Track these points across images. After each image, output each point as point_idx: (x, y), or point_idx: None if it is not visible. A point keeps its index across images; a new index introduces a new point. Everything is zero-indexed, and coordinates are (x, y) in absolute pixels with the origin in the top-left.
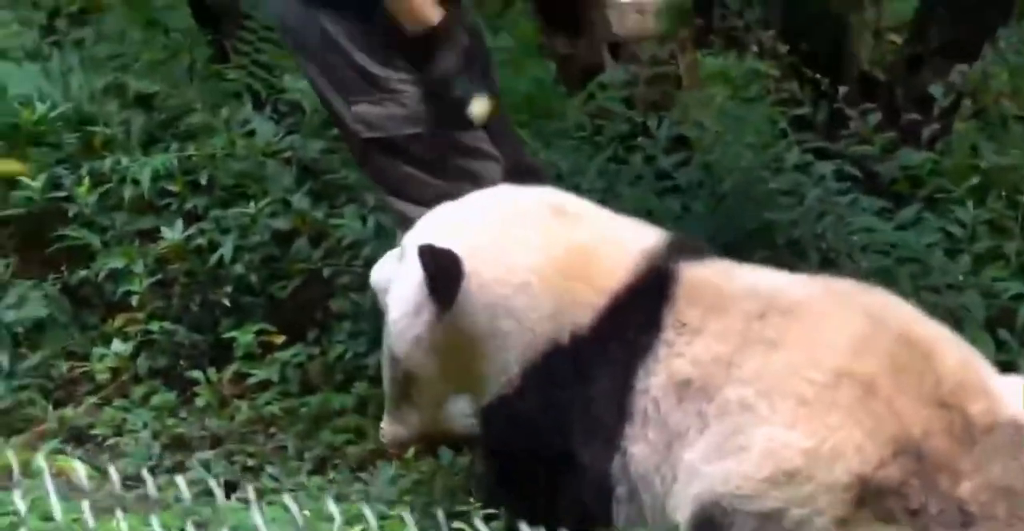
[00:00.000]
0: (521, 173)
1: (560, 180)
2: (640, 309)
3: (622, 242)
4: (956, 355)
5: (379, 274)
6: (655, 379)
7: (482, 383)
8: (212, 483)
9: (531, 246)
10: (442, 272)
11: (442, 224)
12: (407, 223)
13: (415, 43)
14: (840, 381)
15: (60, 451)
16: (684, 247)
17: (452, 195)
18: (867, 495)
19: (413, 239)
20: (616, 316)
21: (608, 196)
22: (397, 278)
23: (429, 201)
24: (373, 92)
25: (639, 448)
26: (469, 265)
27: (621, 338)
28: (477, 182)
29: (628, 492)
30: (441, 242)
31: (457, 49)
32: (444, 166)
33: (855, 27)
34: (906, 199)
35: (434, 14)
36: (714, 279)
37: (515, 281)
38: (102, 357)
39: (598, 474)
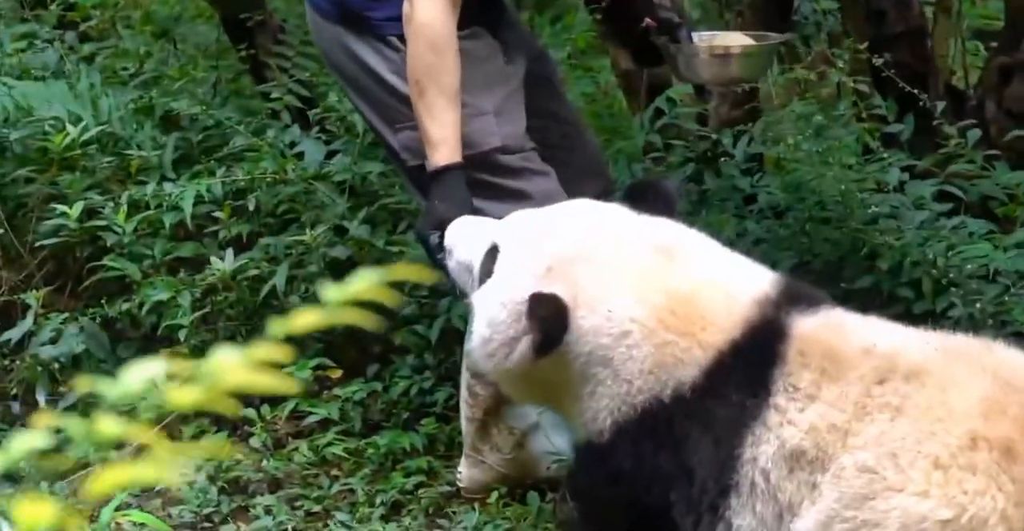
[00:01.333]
0: (643, 195)
1: None
2: (748, 369)
3: (730, 289)
4: None
5: (462, 242)
6: (764, 448)
7: (572, 418)
8: None
9: (632, 292)
10: (548, 325)
11: (548, 257)
12: None
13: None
14: (976, 444)
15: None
16: (797, 296)
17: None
18: None
19: (513, 243)
20: (722, 375)
21: (684, 220)
22: (492, 280)
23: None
24: (412, 120)
25: (746, 521)
26: (572, 312)
27: (727, 400)
28: (528, 201)
29: None
30: (548, 285)
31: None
32: (491, 189)
33: (939, 36)
34: (1011, 221)
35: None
36: (829, 336)
37: (615, 331)
38: (144, 397)
39: None
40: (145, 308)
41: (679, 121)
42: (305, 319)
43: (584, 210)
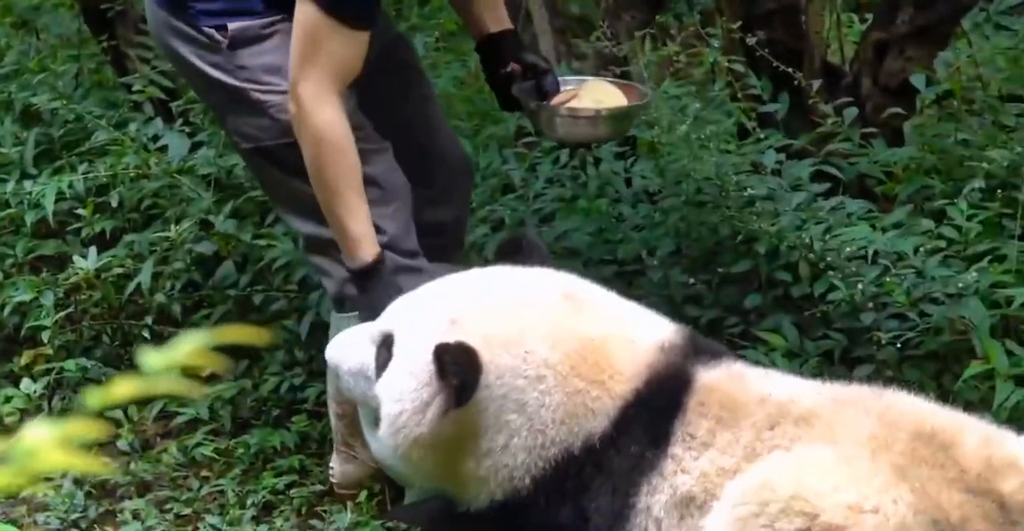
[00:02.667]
0: (518, 249)
1: (510, 191)
2: (651, 419)
3: (634, 337)
4: (976, 439)
5: (345, 354)
6: (658, 497)
7: (477, 482)
8: None
9: (544, 336)
10: (464, 372)
11: (449, 311)
12: (308, 243)
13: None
14: (872, 463)
15: None
16: (700, 348)
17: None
18: None
19: (404, 324)
20: (626, 425)
21: (560, 206)
22: (391, 367)
23: (313, 211)
24: (241, 104)
25: None
26: (485, 356)
27: (628, 451)
28: (371, 186)
29: None
30: (454, 334)
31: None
32: None
33: (814, 10)
34: (890, 200)
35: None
36: (727, 387)
37: (530, 374)
38: (9, 398)
39: None
40: (7, 309)
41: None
42: (122, 389)
43: (475, 273)
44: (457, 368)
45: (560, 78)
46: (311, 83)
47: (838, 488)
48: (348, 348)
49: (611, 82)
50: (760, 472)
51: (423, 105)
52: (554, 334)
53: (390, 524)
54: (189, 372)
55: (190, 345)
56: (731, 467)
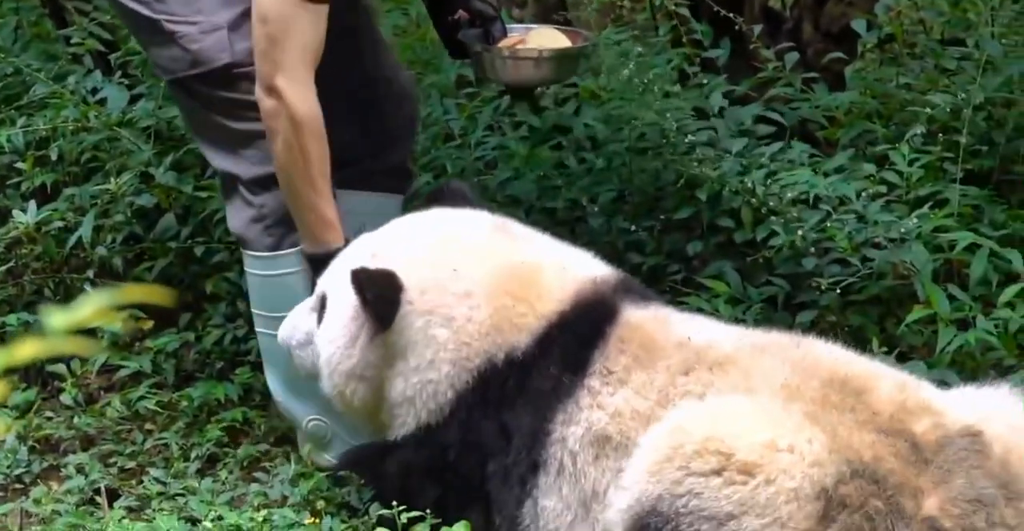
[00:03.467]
0: (448, 196)
1: (450, 140)
2: (571, 343)
3: (567, 266)
4: (889, 385)
5: (290, 329)
6: (573, 428)
7: (405, 404)
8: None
9: (475, 257)
10: (379, 290)
11: (365, 253)
12: (223, 179)
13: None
14: (785, 407)
15: None
16: (630, 287)
17: (250, 138)
18: (832, 510)
19: (331, 279)
20: (547, 345)
21: (501, 154)
22: (323, 321)
23: (226, 142)
24: (156, 35)
25: (551, 502)
26: (409, 276)
27: (546, 372)
28: None
29: None
30: (373, 264)
31: None
32: (228, 104)
33: None
34: (832, 144)
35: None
36: (650, 327)
37: (459, 290)
38: None
39: (507, 518)
40: None
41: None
42: (25, 350)
43: (403, 219)
44: (374, 289)
45: (508, 26)
46: (287, 72)
47: (752, 429)
48: (292, 325)
49: (558, 29)
50: (673, 418)
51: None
52: (483, 254)
53: (326, 474)
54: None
55: (94, 304)
56: (645, 410)
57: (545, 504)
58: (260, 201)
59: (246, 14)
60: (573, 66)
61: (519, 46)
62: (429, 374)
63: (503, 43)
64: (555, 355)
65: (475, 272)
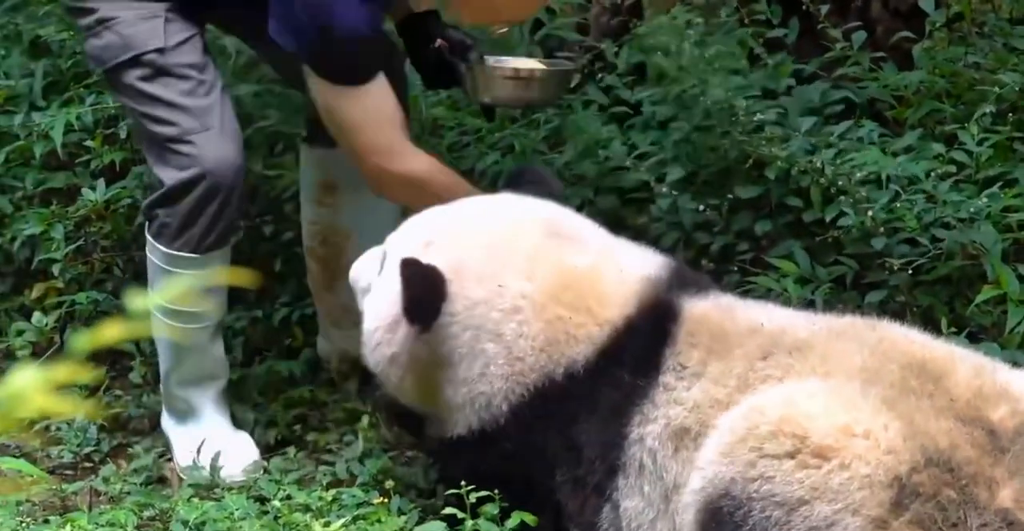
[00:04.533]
0: (525, 181)
1: (515, 120)
2: (638, 347)
3: (621, 268)
4: (967, 370)
5: (358, 272)
6: (651, 427)
7: (455, 410)
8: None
9: (524, 270)
10: (421, 291)
11: (429, 233)
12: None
13: None
14: (862, 392)
15: None
16: (686, 278)
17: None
18: (904, 499)
19: (397, 243)
20: (613, 353)
21: (572, 132)
22: (376, 284)
23: (162, 143)
24: (93, 25)
25: (633, 502)
26: (455, 285)
27: (616, 379)
28: (179, 111)
29: None
30: (426, 256)
31: None
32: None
33: None
34: (901, 124)
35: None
36: (717, 317)
37: (506, 306)
38: (20, 332)
39: (583, 525)
40: (17, 242)
41: (560, 31)
42: (109, 332)
43: (472, 202)
44: (418, 287)
45: (485, 55)
46: (390, 156)
47: (828, 412)
48: (362, 266)
49: (538, 61)
50: (750, 402)
51: None
52: (531, 266)
53: (393, 454)
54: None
55: (178, 287)
56: (724, 398)
57: (627, 505)
58: (170, 210)
59: (179, 8)
60: (559, 89)
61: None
62: (480, 386)
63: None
64: (623, 361)
65: (523, 286)
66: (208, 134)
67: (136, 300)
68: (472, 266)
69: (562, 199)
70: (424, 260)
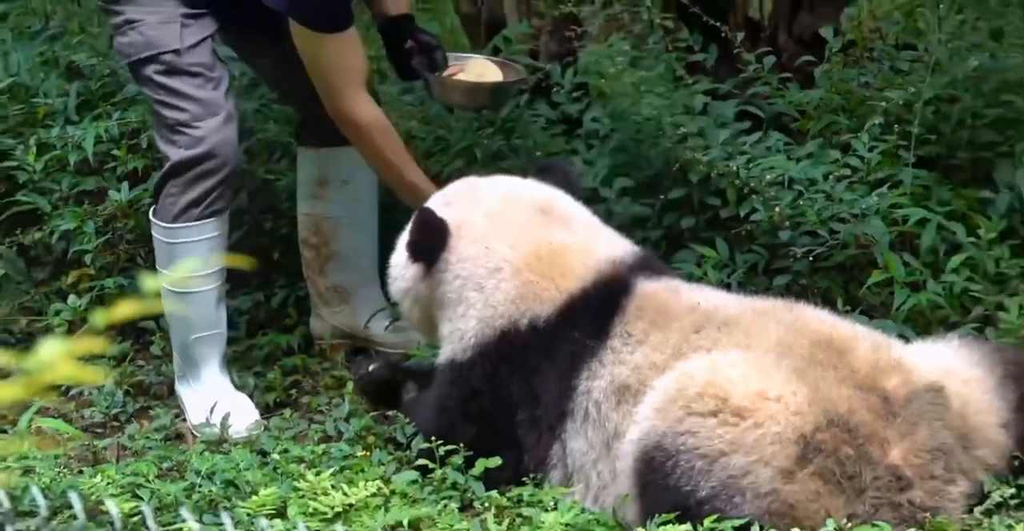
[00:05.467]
0: (547, 171)
1: (479, 131)
2: (593, 314)
3: (591, 250)
4: (867, 346)
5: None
6: (598, 382)
7: (442, 341)
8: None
9: (510, 239)
10: (427, 233)
11: (450, 196)
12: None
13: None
14: (776, 363)
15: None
16: (647, 264)
17: (179, 125)
18: (809, 454)
19: (430, 200)
20: (570, 315)
21: (522, 141)
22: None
23: (161, 126)
24: (121, 25)
25: (578, 443)
26: (455, 241)
27: (571, 338)
28: (193, 102)
29: (563, 477)
30: (441, 212)
31: None
32: (166, 88)
33: None
34: (804, 134)
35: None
36: (663, 295)
37: (489, 265)
38: (58, 311)
39: (536, 458)
40: (55, 236)
41: (514, 57)
42: (124, 309)
43: (496, 179)
44: (425, 230)
45: (449, 54)
46: (345, 98)
47: (747, 379)
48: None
49: (492, 60)
50: (683, 367)
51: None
52: (517, 237)
53: (374, 414)
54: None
55: (186, 268)
56: (661, 363)
57: (573, 446)
58: (175, 182)
59: (194, 15)
60: (506, 97)
61: (460, 75)
62: (459, 324)
63: (447, 71)
64: (577, 323)
65: (506, 252)
66: (213, 120)
67: (148, 281)
68: (471, 228)
69: (578, 192)
70: (439, 214)
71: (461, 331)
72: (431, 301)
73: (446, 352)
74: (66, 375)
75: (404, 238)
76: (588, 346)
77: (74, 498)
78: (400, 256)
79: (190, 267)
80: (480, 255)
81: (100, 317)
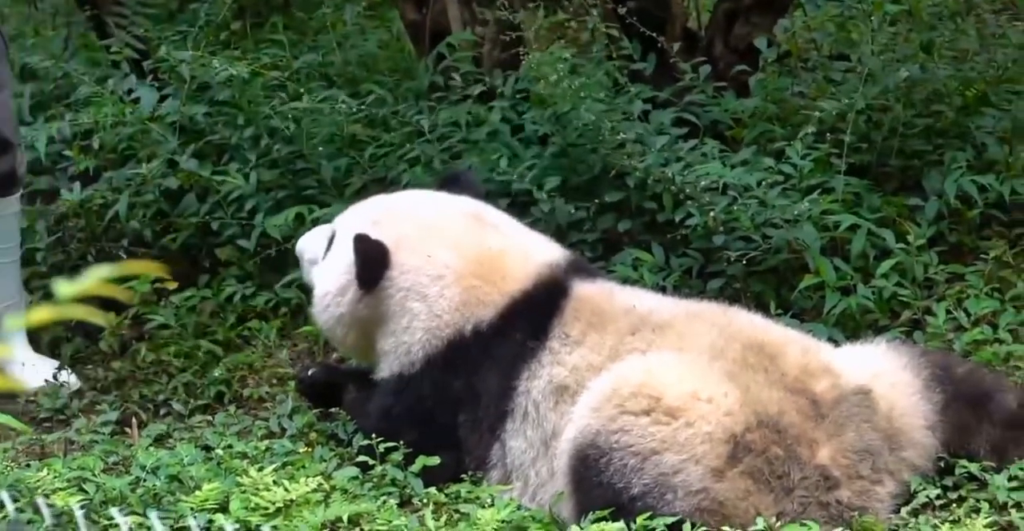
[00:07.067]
0: (453, 181)
1: (421, 136)
2: (533, 315)
3: (528, 253)
4: (797, 349)
5: (307, 243)
6: (536, 382)
7: (383, 357)
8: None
9: (449, 245)
10: (371, 260)
11: (376, 214)
12: None
13: None
14: (709, 365)
15: None
16: (580, 267)
17: None
18: (739, 453)
19: (347, 222)
20: (511, 318)
21: (468, 147)
22: (327, 256)
23: None
24: None
25: (517, 443)
26: (394, 255)
27: (513, 339)
28: None
29: (503, 477)
30: (374, 232)
31: None
32: None
33: None
34: (738, 142)
35: None
36: (599, 297)
37: (432, 273)
38: None
39: (477, 458)
40: None
41: (458, 64)
42: (39, 315)
43: (411, 193)
44: (368, 256)
45: None
46: None
47: (680, 380)
48: (309, 241)
49: None
50: (618, 368)
51: None
52: (457, 243)
53: (316, 411)
54: (159, 291)
55: (98, 276)
56: (598, 364)
57: (512, 445)
58: None
59: None
60: None
61: None
62: (404, 337)
63: None
64: (518, 325)
65: (448, 258)
66: None
67: (63, 287)
68: (409, 240)
69: (484, 199)
70: (372, 235)
71: (407, 344)
72: (370, 320)
73: (391, 366)
74: None
75: (331, 266)
76: (528, 347)
77: (4, 496)
78: (329, 284)
79: None
80: (423, 264)
81: (12, 323)
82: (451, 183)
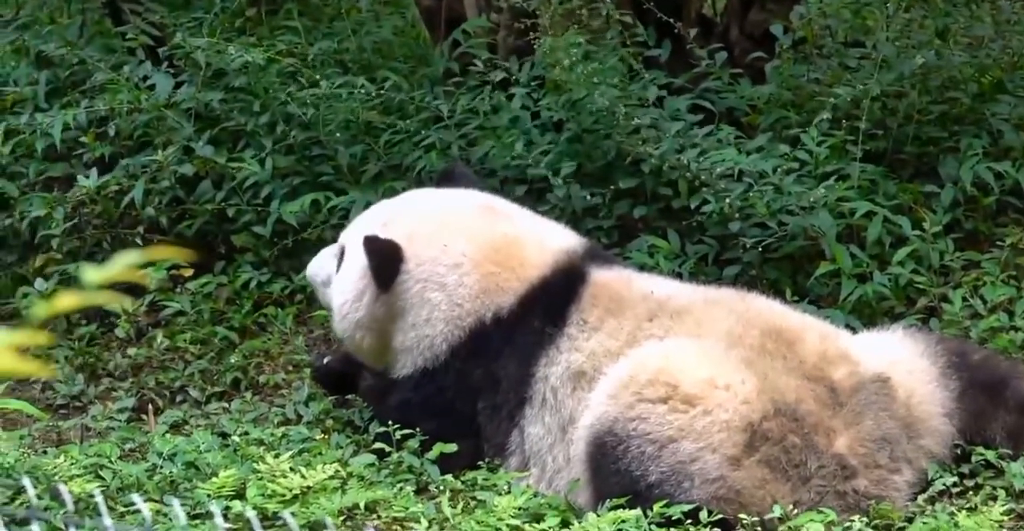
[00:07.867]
0: (455, 178)
1: (436, 122)
2: (551, 302)
3: (543, 240)
4: (816, 336)
5: (316, 268)
6: (555, 369)
7: (404, 353)
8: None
9: (464, 234)
10: (384, 257)
11: (383, 217)
12: None
13: None
14: (726, 352)
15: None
16: (596, 253)
17: None
18: (756, 441)
19: (351, 235)
20: (530, 304)
21: (480, 134)
22: (340, 271)
23: None
24: None
25: (536, 429)
26: (408, 249)
27: (531, 326)
28: None
29: (521, 463)
30: (384, 233)
31: None
32: None
33: None
34: (754, 128)
35: None
36: (617, 284)
37: (449, 262)
38: (25, 294)
39: (496, 445)
40: (25, 222)
41: (473, 50)
42: (64, 301)
43: (413, 193)
44: (379, 255)
45: None
46: None
47: (697, 367)
48: (318, 264)
49: None
50: (635, 354)
51: None
52: (471, 232)
53: (333, 398)
54: (175, 277)
55: (125, 262)
56: (615, 350)
57: (531, 431)
58: None
59: None
60: None
61: None
62: (425, 330)
63: None
64: (536, 312)
65: (464, 246)
66: None
67: (89, 273)
68: (423, 232)
69: (485, 190)
70: (382, 236)
71: (429, 337)
72: (388, 318)
73: (414, 361)
74: (7, 368)
75: (346, 276)
76: (547, 333)
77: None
78: (346, 292)
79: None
80: (438, 254)
81: (41, 309)
82: (448, 179)
